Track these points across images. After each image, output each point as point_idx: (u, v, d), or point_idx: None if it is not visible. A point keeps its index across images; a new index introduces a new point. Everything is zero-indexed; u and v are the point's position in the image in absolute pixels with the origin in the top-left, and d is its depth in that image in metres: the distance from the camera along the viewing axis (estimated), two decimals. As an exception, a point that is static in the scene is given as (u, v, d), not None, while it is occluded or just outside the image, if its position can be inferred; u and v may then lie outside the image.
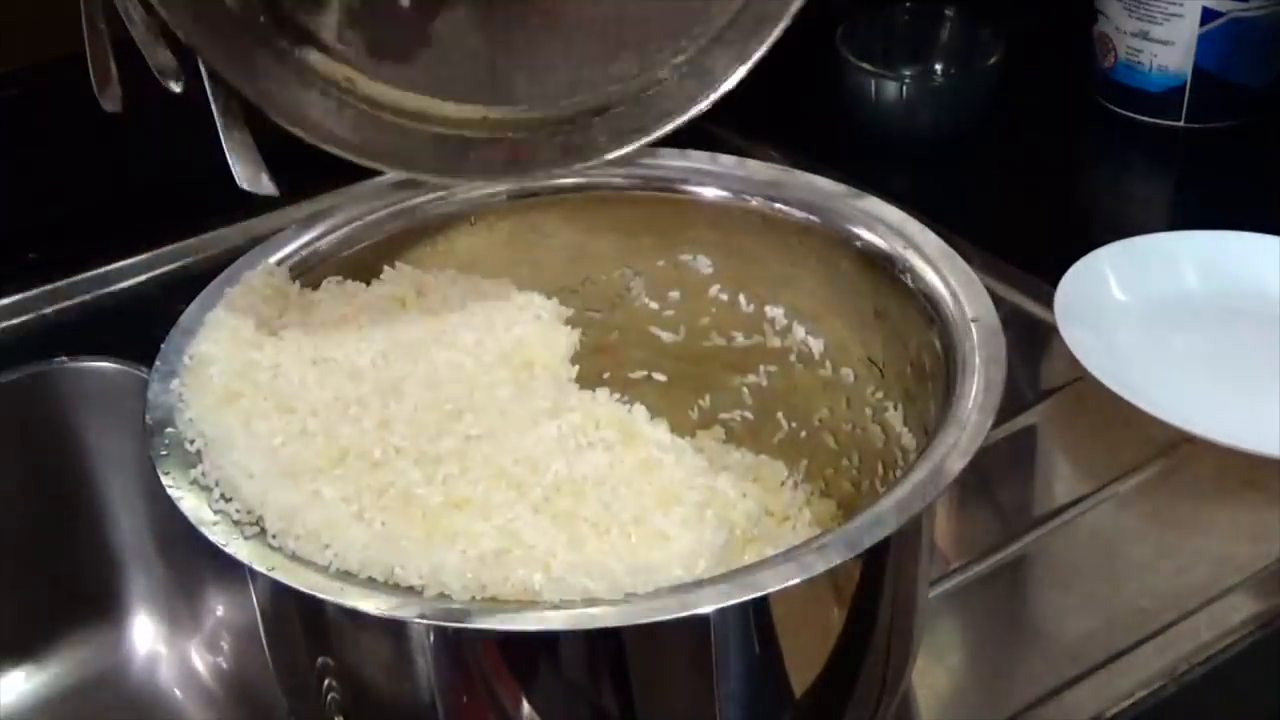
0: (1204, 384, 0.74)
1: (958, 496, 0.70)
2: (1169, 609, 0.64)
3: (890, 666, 0.56)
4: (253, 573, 0.51)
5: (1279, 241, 0.81)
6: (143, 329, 0.70)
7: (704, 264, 0.67)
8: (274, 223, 0.80)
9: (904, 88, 0.93)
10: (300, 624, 0.57)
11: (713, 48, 0.67)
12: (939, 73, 0.98)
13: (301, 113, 0.64)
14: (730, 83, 0.67)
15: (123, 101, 0.76)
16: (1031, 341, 0.78)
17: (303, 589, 0.49)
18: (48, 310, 0.80)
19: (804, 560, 0.48)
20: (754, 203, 0.67)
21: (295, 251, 0.65)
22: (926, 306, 0.61)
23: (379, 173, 0.87)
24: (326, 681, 0.57)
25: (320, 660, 0.57)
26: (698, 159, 0.68)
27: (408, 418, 0.60)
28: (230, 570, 0.70)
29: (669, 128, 0.66)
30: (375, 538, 0.51)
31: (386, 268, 0.64)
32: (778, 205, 0.66)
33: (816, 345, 0.66)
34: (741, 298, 0.67)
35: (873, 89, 0.93)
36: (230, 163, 0.68)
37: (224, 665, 0.77)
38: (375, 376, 0.61)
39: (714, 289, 0.67)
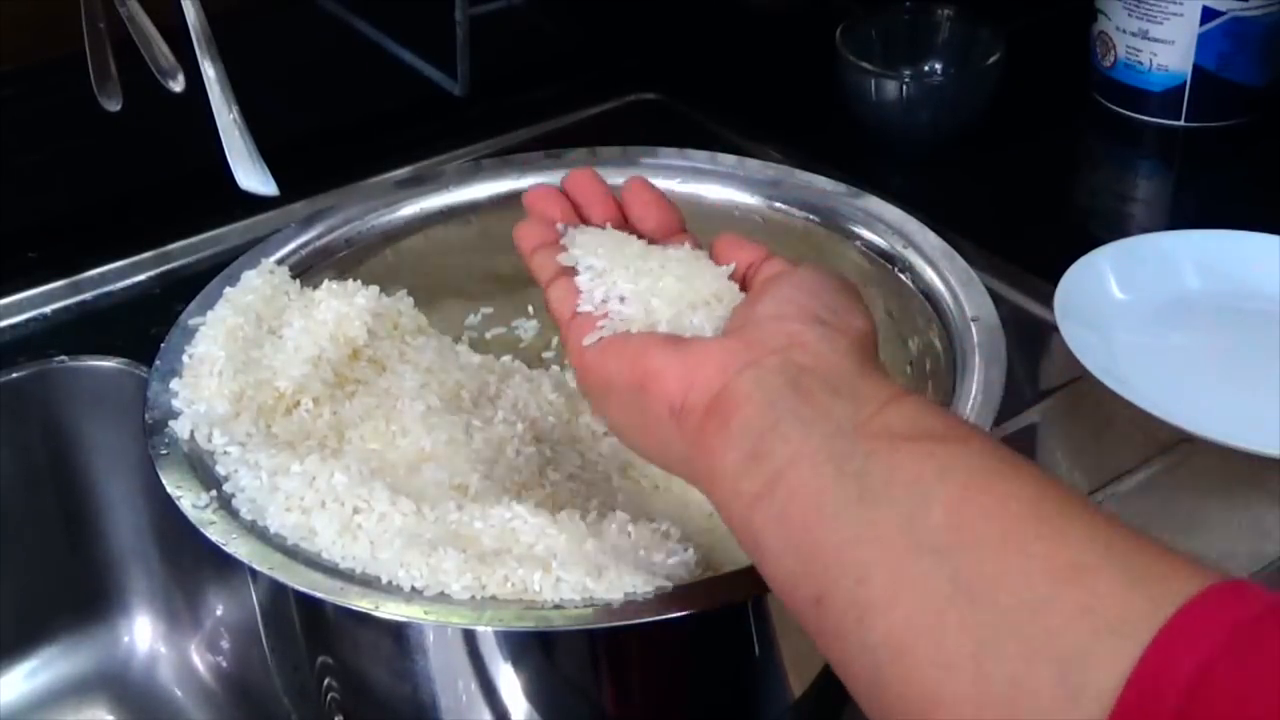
0: (1204, 384, 0.74)
1: (958, 496, 0.70)
2: (1169, 609, 0.63)
3: (890, 666, 0.56)
4: (253, 573, 0.51)
5: (1279, 241, 0.81)
6: (143, 329, 0.70)
7: (704, 263, 0.67)
8: (274, 223, 0.80)
9: (904, 87, 0.93)
10: (300, 624, 0.57)
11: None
12: (939, 72, 0.98)
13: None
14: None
15: (122, 101, 0.76)
16: (1031, 341, 0.78)
17: (303, 589, 0.49)
18: (48, 310, 0.80)
19: (804, 560, 0.48)
20: (754, 203, 0.67)
21: (295, 251, 0.65)
22: (926, 305, 0.61)
23: (379, 172, 0.88)
24: (326, 681, 0.57)
25: (320, 660, 0.57)
26: (698, 159, 0.68)
27: (410, 416, 0.60)
28: (230, 570, 0.71)
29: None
30: (375, 536, 0.51)
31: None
32: (778, 205, 0.66)
33: (816, 345, 0.66)
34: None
35: (873, 89, 0.93)
36: (230, 163, 0.68)
37: (224, 665, 0.77)
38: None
39: (714, 289, 0.67)
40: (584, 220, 0.57)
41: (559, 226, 0.56)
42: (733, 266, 0.54)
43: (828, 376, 0.45)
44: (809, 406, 0.44)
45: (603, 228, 0.57)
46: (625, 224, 0.57)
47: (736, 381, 0.46)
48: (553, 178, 0.67)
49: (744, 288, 0.53)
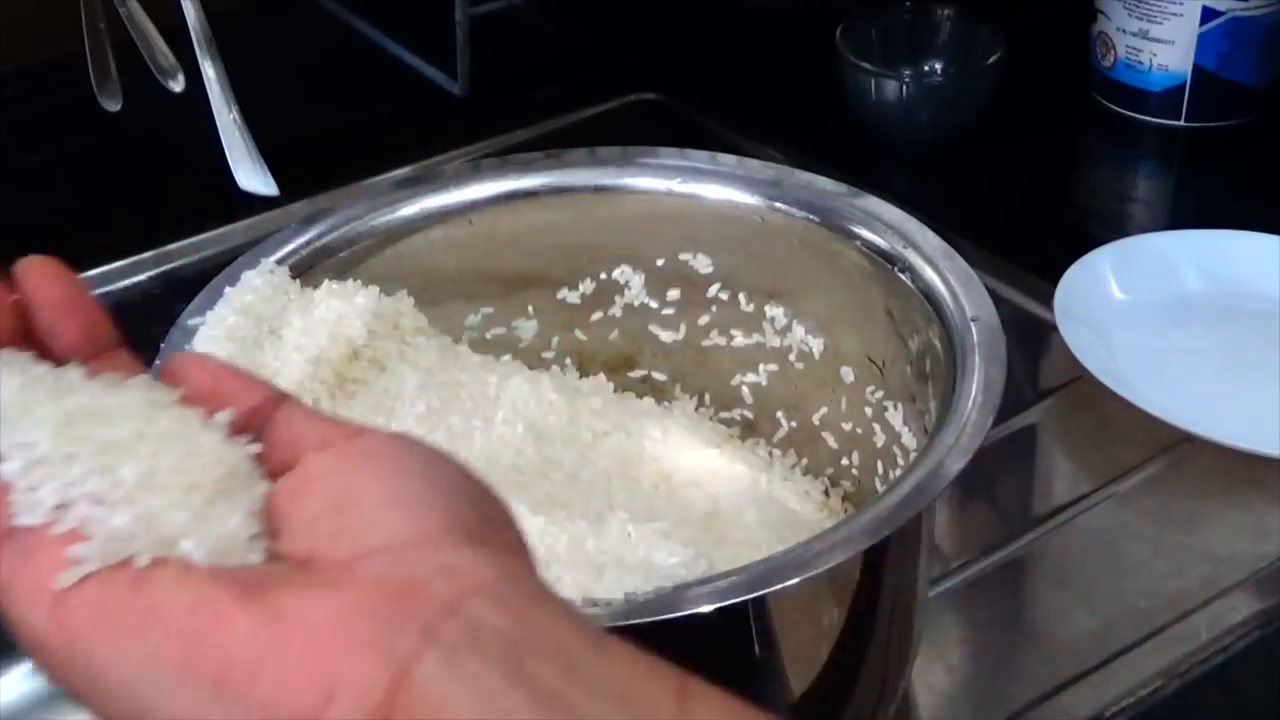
0: (1204, 383, 0.74)
1: (958, 496, 0.70)
2: (1169, 608, 0.64)
3: (890, 666, 0.56)
4: (253, 572, 0.51)
5: (1279, 241, 0.81)
6: (143, 329, 0.70)
7: (704, 264, 0.67)
8: (274, 222, 0.80)
9: (904, 87, 0.93)
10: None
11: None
12: (939, 72, 0.98)
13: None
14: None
15: (122, 101, 0.76)
16: (1031, 341, 0.78)
17: (303, 589, 0.49)
18: (48, 310, 0.80)
19: (804, 560, 0.48)
20: (754, 202, 0.67)
21: (295, 250, 0.65)
22: (926, 305, 0.61)
23: (379, 172, 0.88)
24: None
25: (320, 660, 0.57)
26: (698, 159, 0.68)
27: (410, 416, 0.60)
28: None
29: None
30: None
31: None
32: (778, 205, 0.66)
33: (816, 345, 0.66)
34: (741, 297, 0.67)
35: (873, 89, 0.93)
36: (230, 163, 0.68)
37: (224, 665, 0.77)
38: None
39: (714, 288, 0.67)
40: None
41: None
42: (228, 417, 0.34)
43: (551, 650, 0.29)
44: (563, 716, 0.28)
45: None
46: (27, 337, 0.36)
47: (415, 676, 0.28)
48: (553, 178, 0.67)
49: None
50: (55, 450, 0.32)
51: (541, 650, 0.29)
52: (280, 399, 0.35)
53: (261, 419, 0.34)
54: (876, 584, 0.53)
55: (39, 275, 0.36)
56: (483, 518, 0.32)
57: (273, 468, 0.34)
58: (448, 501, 0.32)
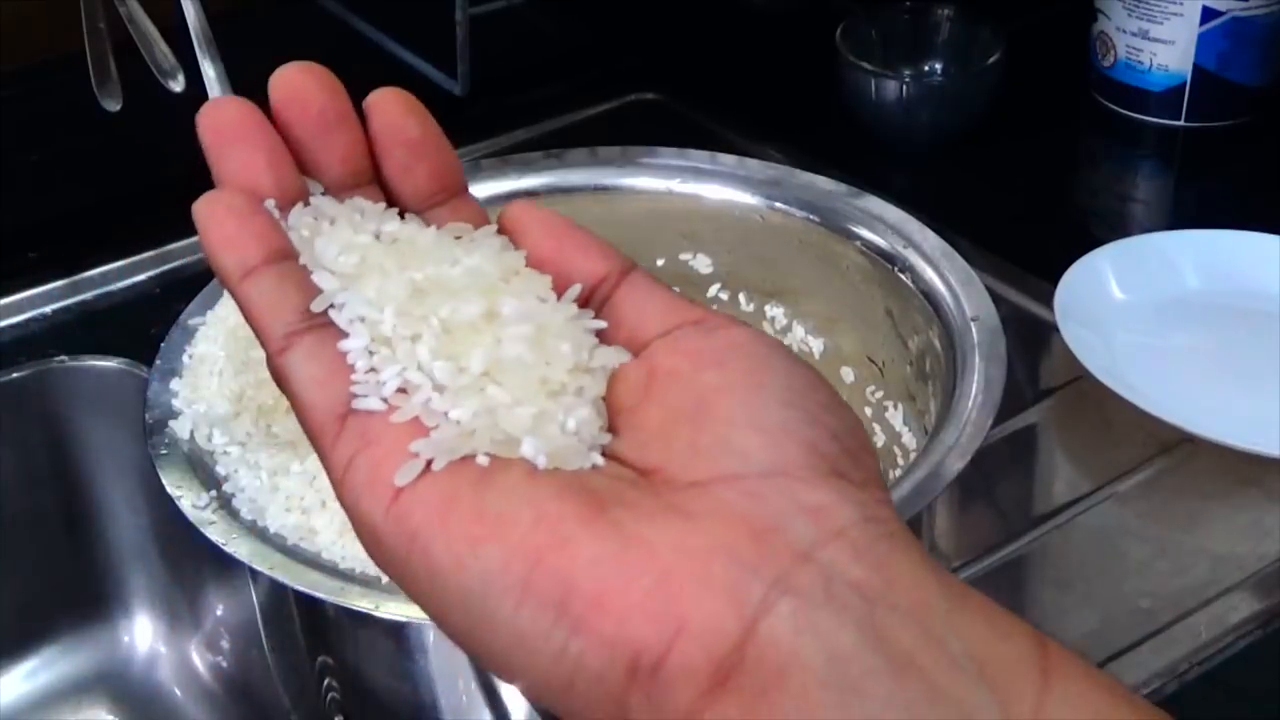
0: (1204, 383, 0.74)
1: (958, 496, 0.70)
2: (1169, 608, 0.64)
3: (890, 666, 0.56)
4: (253, 572, 0.51)
5: (1279, 241, 0.81)
6: (143, 329, 0.70)
7: (704, 264, 0.67)
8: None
9: (904, 87, 0.93)
10: (300, 624, 0.57)
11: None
12: (939, 72, 0.98)
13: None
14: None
15: (122, 101, 0.76)
16: (1031, 341, 0.78)
17: (303, 589, 0.49)
18: (48, 310, 0.80)
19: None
20: (754, 202, 0.67)
21: (295, 251, 0.65)
22: (926, 306, 0.61)
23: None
24: (326, 681, 0.57)
25: (320, 660, 0.57)
26: (698, 159, 0.68)
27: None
28: (230, 570, 0.71)
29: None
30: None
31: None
32: (778, 205, 0.66)
33: (816, 345, 0.66)
34: (741, 298, 0.67)
35: (873, 89, 0.93)
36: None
37: (224, 665, 0.77)
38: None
39: (714, 289, 0.67)
40: (307, 169, 0.34)
41: (269, 205, 0.32)
42: (576, 290, 0.32)
43: (908, 608, 0.27)
44: (918, 687, 0.26)
45: (346, 198, 0.34)
46: (374, 179, 0.35)
47: (764, 626, 0.26)
48: (553, 178, 0.67)
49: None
50: (399, 329, 0.30)
51: (899, 607, 0.27)
52: (627, 269, 0.33)
53: (606, 292, 0.32)
54: (876, 584, 0.53)
55: (394, 112, 0.35)
56: (844, 449, 0.29)
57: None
58: (809, 427, 0.29)
